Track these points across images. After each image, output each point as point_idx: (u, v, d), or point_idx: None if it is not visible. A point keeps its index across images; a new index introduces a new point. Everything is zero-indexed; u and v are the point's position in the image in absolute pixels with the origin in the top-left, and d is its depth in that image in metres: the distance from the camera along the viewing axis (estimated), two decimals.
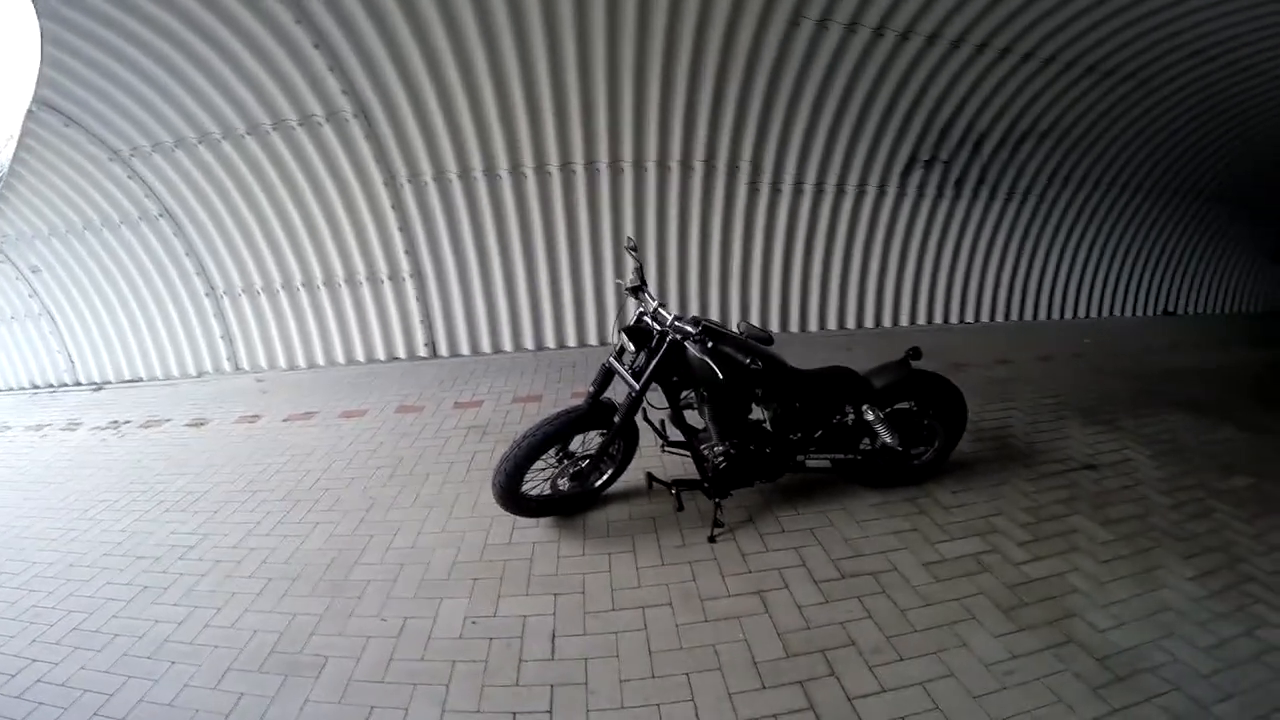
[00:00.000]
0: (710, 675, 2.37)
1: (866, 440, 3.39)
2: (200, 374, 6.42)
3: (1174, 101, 6.41)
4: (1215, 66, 5.94)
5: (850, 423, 3.32)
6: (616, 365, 3.12)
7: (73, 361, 6.52)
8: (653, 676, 2.39)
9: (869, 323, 6.95)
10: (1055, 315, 7.73)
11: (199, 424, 5.25)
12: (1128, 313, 8.24)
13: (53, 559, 3.43)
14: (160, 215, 5.84)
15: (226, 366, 6.39)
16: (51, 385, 6.56)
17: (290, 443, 4.70)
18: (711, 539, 3.18)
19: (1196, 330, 8.14)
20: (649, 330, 3.06)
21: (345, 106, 5.26)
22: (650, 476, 3.36)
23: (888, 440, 3.25)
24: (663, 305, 3.09)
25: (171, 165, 5.59)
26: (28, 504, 4.13)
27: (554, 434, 3.10)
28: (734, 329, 3.16)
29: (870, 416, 3.25)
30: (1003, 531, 3.19)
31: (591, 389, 3.16)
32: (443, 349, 6.27)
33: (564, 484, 3.29)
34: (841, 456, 3.40)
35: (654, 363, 3.01)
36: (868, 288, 6.83)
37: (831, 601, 2.74)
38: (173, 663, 2.58)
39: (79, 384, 6.53)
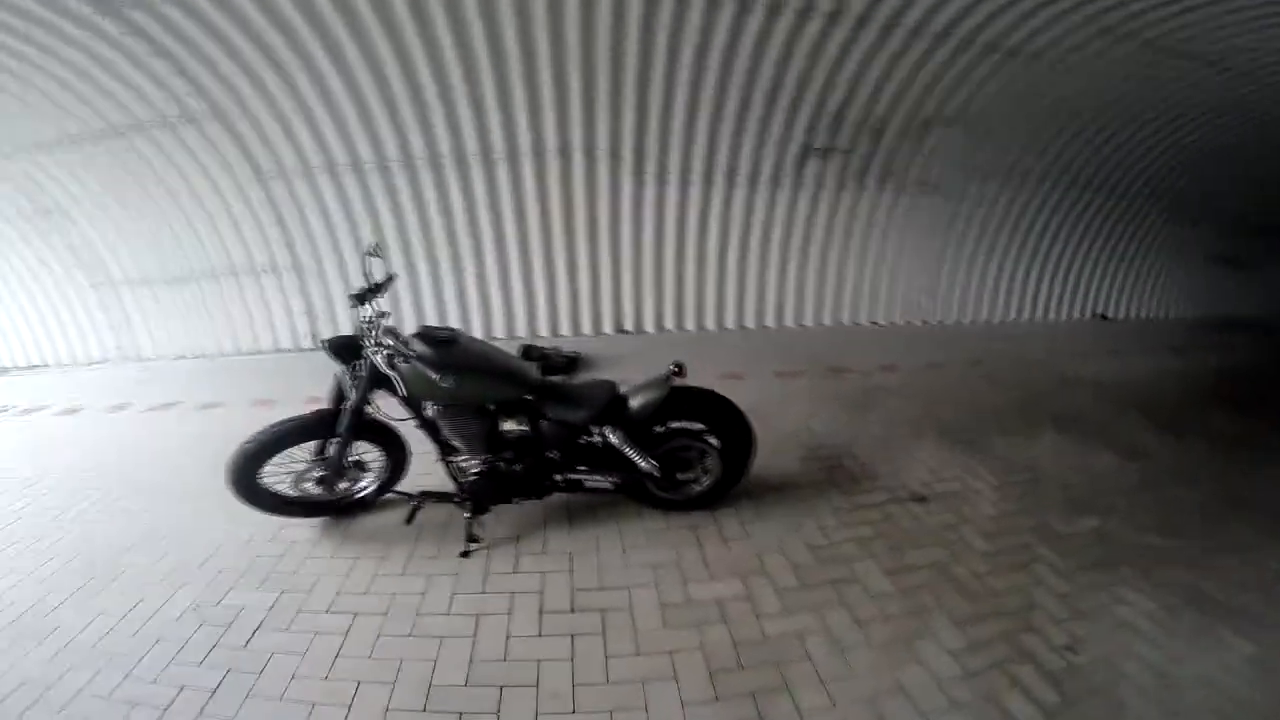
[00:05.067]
0: (377, 689, 2.36)
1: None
2: (93, 362, 6.52)
3: (1094, 87, 5.80)
4: (1133, 47, 5.33)
5: (599, 444, 3.10)
6: (344, 376, 3.02)
7: None
8: (325, 679, 2.42)
9: (769, 321, 6.63)
10: (977, 318, 7.21)
11: (73, 411, 5.30)
12: (1057, 315, 7.63)
13: None
14: (47, 212, 5.93)
15: (116, 355, 6.48)
16: None
17: (142, 433, 4.75)
18: (464, 554, 3.09)
19: (1124, 336, 7.49)
20: (358, 344, 2.95)
21: (197, 108, 5.24)
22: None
23: (641, 465, 3.06)
24: (383, 314, 2.93)
25: (52, 162, 5.66)
26: None
27: (272, 441, 3.05)
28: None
29: (613, 439, 3.04)
30: (770, 574, 2.92)
31: (331, 398, 3.06)
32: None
33: (310, 488, 3.22)
34: (615, 478, 3.19)
35: (363, 379, 2.94)
36: (767, 284, 6.50)
37: (542, 636, 2.60)
38: None
39: None
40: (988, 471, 3.84)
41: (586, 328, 6.42)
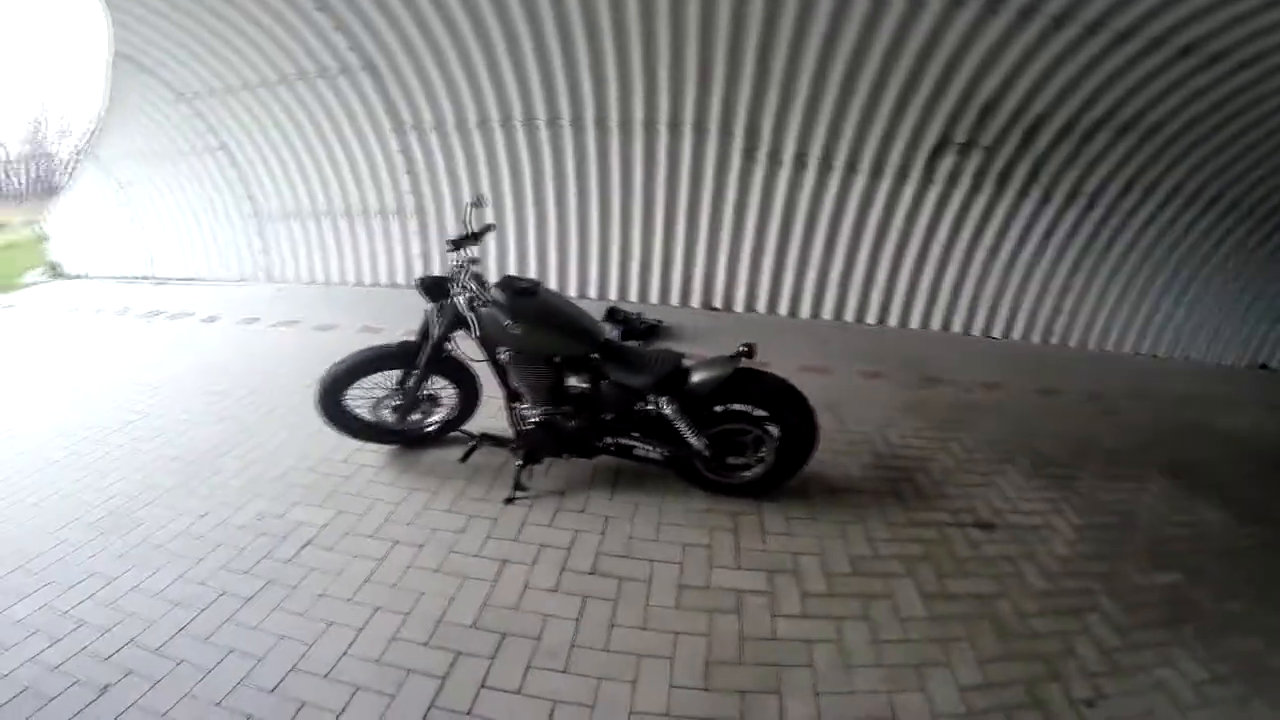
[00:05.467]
0: (391, 616, 2.49)
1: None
2: (241, 279, 7.39)
3: None
4: None
5: (652, 414, 3.09)
6: (431, 313, 3.22)
7: (151, 260, 7.77)
8: (348, 600, 2.59)
9: (870, 318, 6.24)
10: (1110, 347, 6.32)
11: (211, 321, 6.07)
12: (1209, 358, 6.47)
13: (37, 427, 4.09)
14: (219, 148, 6.79)
15: (261, 276, 7.32)
16: (133, 277, 7.84)
17: (263, 346, 5.36)
18: (509, 500, 3.22)
19: None
20: (446, 286, 3.14)
21: (353, 62, 5.74)
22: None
23: (692, 441, 3.06)
24: (474, 260, 3.11)
25: (224, 106, 6.45)
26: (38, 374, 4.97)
27: (357, 365, 3.35)
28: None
29: (667, 411, 3.02)
30: (801, 574, 2.81)
31: (419, 333, 3.29)
32: None
33: (386, 415, 3.50)
34: (665, 450, 3.19)
35: (445, 318, 3.14)
36: (875, 280, 6.09)
37: (557, 592, 2.66)
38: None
39: (151, 278, 7.75)
40: (1072, 510, 3.44)
41: (674, 299, 6.42)
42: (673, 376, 3.02)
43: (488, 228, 3.30)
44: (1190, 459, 4.20)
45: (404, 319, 5.51)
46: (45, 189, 24.50)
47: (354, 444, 3.60)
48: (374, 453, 3.58)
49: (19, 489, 3.39)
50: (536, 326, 2.95)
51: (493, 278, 3.32)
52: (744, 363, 2.97)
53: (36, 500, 3.28)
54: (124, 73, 6.42)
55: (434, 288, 3.15)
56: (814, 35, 4.91)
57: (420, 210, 6.44)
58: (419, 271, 6.61)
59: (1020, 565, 2.97)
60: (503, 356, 3.10)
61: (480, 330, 3.02)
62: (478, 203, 3.15)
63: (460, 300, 3.01)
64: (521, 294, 2.99)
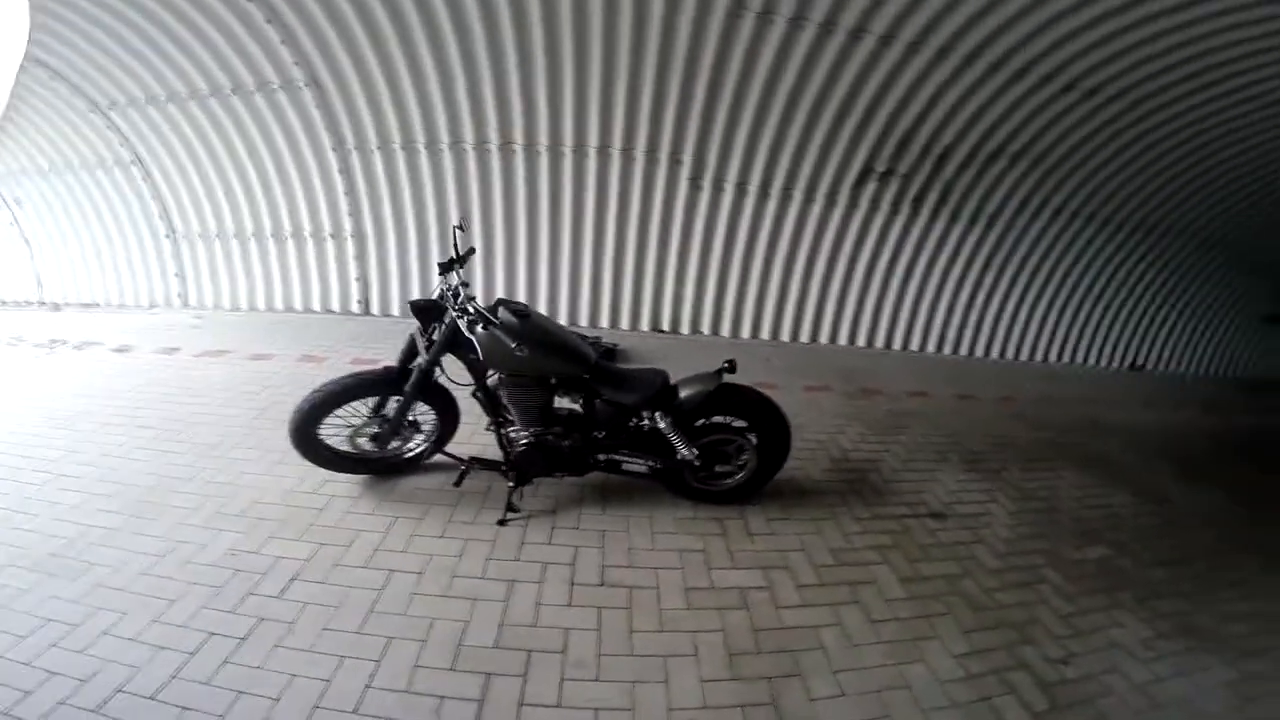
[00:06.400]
0: (407, 645, 2.42)
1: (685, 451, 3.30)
2: (151, 306, 6.83)
3: (1170, 130, 5.79)
4: (1218, 93, 5.37)
5: (645, 428, 3.23)
6: (418, 337, 3.18)
7: (40, 283, 7.04)
8: (357, 632, 2.47)
9: (804, 336, 6.72)
10: (1013, 356, 7.22)
11: (124, 350, 5.55)
12: (1090, 361, 7.55)
13: None
14: (132, 162, 6.30)
15: (176, 302, 6.80)
16: (19, 302, 7.08)
17: (191, 377, 4.94)
18: (502, 522, 3.20)
19: (1159, 388, 7.44)
20: (440, 307, 3.13)
21: (298, 76, 5.56)
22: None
23: (683, 452, 3.21)
24: (465, 284, 3.12)
25: (144, 119, 6.02)
26: None
27: (339, 393, 3.21)
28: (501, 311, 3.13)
29: (661, 425, 3.17)
30: (792, 569, 3.04)
31: (401, 357, 3.24)
32: (375, 307, 6.52)
33: (364, 443, 3.38)
34: (653, 463, 3.33)
35: (439, 341, 3.10)
36: (807, 300, 6.58)
37: (571, 606, 2.70)
38: None
39: (43, 303, 7.04)
40: (1006, 499, 3.95)
41: (625, 324, 6.60)
42: (663, 392, 3.19)
43: (470, 251, 3.35)
44: (1092, 451, 4.90)
45: (348, 346, 5.40)
46: None
47: (321, 474, 3.43)
48: (345, 483, 3.43)
49: None
50: (538, 349, 2.99)
51: None
52: (725, 378, 3.20)
53: None
54: (33, 80, 5.87)
55: (424, 311, 3.12)
56: (759, 74, 5.35)
57: (359, 233, 6.26)
58: (357, 297, 6.44)
59: (973, 549, 3.39)
60: (493, 379, 3.12)
61: (480, 352, 3.01)
62: (461, 226, 3.21)
63: (462, 322, 2.99)
64: (520, 316, 3.03)
